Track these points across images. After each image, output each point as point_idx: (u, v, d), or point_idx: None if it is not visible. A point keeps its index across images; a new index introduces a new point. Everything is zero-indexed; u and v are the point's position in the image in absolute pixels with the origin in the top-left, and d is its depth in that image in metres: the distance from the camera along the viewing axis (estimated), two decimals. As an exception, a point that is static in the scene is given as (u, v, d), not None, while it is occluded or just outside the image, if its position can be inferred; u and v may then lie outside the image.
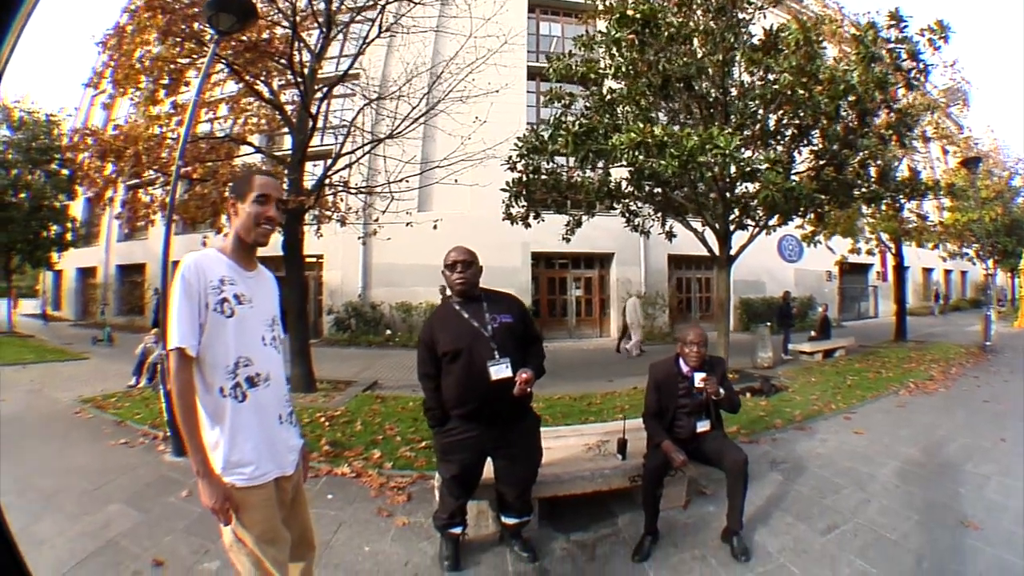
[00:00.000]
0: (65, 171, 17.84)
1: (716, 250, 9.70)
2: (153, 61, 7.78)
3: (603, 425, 5.27)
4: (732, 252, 9.68)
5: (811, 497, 4.30)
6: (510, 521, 3.39)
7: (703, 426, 3.68)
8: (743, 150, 7.38)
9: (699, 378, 3.56)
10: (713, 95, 8.64)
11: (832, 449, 5.56)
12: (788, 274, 20.32)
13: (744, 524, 3.53)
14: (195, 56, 8.08)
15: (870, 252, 18.06)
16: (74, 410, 7.45)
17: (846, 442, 5.81)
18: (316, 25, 8.79)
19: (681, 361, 3.73)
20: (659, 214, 10.44)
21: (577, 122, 8.14)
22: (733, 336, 10.57)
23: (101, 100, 21.36)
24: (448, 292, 3.27)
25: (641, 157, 7.20)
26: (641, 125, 7.11)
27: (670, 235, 10.87)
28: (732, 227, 9.52)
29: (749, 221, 9.57)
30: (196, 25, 7.69)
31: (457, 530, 3.34)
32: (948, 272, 36.45)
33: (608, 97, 8.67)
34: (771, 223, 9.69)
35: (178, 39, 7.75)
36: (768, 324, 12.97)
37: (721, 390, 3.58)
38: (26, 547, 3.21)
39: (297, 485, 2.26)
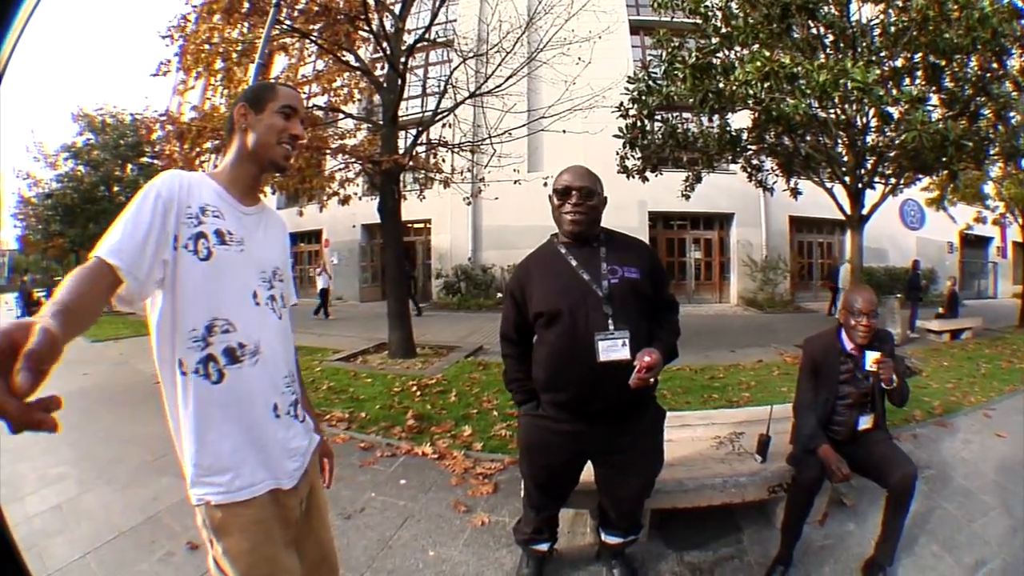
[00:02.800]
0: (158, 163, 19.57)
1: (848, 209, 8.65)
2: (223, 42, 7.77)
3: (736, 412, 4.27)
4: (864, 212, 8.62)
5: (958, 519, 3.25)
6: (612, 540, 2.55)
7: (865, 423, 2.74)
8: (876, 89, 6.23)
9: (871, 359, 2.55)
10: (839, 25, 7.50)
11: (976, 454, 4.41)
12: (910, 242, 17.90)
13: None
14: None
15: (996, 222, 15.39)
16: (154, 380, 7.53)
17: (990, 446, 4.63)
18: None
19: (843, 336, 2.77)
20: (783, 168, 9.39)
21: (694, 54, 7.11)
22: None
23: (173, 86, 23.24)
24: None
25: (765, 95, 6.33)
26: (768, 53, 6.30)
27: (795, 192, 9.95)
28: (863, 181, 8.43)
29: (887, 172, 8.53)
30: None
31: (543, 546, 2.60)
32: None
33: (724, 30, 7.56)
34: (905, 177, 8.70)
35: (243, 16, 7.60)
36: (897, 296, 11.44)
37: (894, 377, 2.59)
38: (64, 520, 2.92)
39: (314, 494, 1.65)
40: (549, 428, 2.22)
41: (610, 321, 2.06)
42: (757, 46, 7.23)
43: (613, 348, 2.04)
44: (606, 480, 2.33)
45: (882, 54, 7.34)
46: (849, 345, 2.73)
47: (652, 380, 2.02)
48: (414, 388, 6.36)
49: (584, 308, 2.08)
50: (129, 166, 21.94)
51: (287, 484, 1.50)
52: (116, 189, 21.19)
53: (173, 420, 1.41)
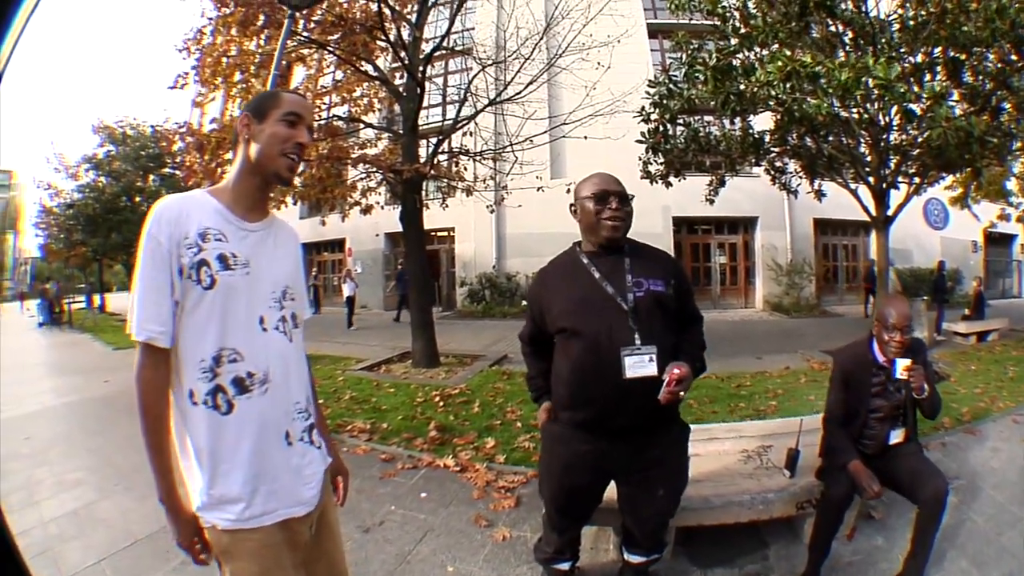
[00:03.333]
0: (179, 173, 20.03)
1: (873, 210, 8.45)
2: (241, 55, 7.79)
3: (764, 424, 4.12)
4: (889, 212, 8.42)
5: (987, 532, 3.11)
6: (636, 559, 2.42)
7: (896, 436, 2.63)
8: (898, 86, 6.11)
9: (902, 366, 2.41)
10: (858, 21, 7.34)
11: (1005, 462, 4.23)
12: (934, 242, 17.36)
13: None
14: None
15: (1020, 219, 14.93)
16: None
17: (1018, 454, 4.43)
18: None
19: (875, 347, 2.64)
20: (807, 169, 9.30)
21: (714, 55, 7.03)
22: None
23: (191, 99, 23.79)
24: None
25: (787, 96, 6.17)
26: (788, 52, 6.24)
27: (819, 194, 9.76)
28: (887, 181, 8.25)
29: (910, 171, 8.30)
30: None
31: (564, 566, 2.49)
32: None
33: (743, 30, 7.45)
34: (929, 176, 8.40)
35: (259, 29, 7.62)
36: (924, 298, 11.17)
37: (925, 385, 2.46)
38: (80, 526, 2.89)
39: (325, 514, 1.59)
40: (570, 449, 2.12)
41: (636, 336, 1.96)
42: (777, 46, 7.09)
43: (640, 364, 1.94)
44: (629, 500, 2.22)
45: (902, 50, 7.18)
46: (881, 357, 2.61)
47: (681, 394, 1.93)
48: (437, 398, 6.30)
49: (608, 323, 1.98)
50: (151, 176, 22.37)
51: (301, 512, 1.46)
52: (138, 199, 21.57)
53: (180, 445, 1.38)
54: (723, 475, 3.01)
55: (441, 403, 6.13)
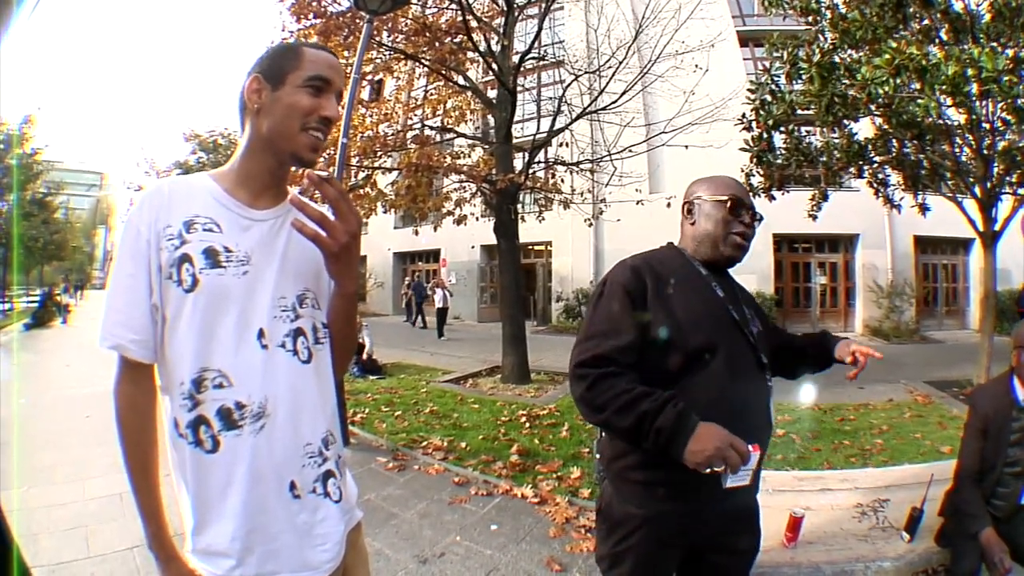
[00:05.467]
0: None
1: (980, 224, 7.61)
2: None
3: (880, 473, 3.66)
4: (996, 227, 7.57)
5: None
6: None
7: None
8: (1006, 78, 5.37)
9: None
10: (953, 12, 6.68)
11: None
12: None
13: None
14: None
15: None
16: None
17: None
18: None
19: (1016, 384, 2.21)
20: (909, 181, 8.52)
21: (817, 50, 6.57)
22: (978, 338, 8.58)
23: None
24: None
25: (894, 94, 5.77)
26: (894, 44, 5.71)
27: (923, 208, 8.84)
28: (993, 192, 7.47)
29: (1013, 180, 7.40)
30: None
31: None
32: None
33: (841, 25, 6.90)
34: None
35: (344, 42, 7.62)
36: None
37: None
38: (121, 509, 2.89)
39: (350, 567, 1.27)
40: (653, 528, 1.49)
41: (767, 373, 1.55)
42: (877, 43, 6.54)
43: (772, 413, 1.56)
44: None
45: (1002, 39, 6.33)
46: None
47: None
48: (523, 418, 5.98)
49: (738, 350, 1.50)
50: None
51: None
52: None
53: (175, 476, 1.13)
54: (836, 536, 2.66)
55: (527, 424, 5.79)
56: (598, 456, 1.66)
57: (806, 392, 6.49)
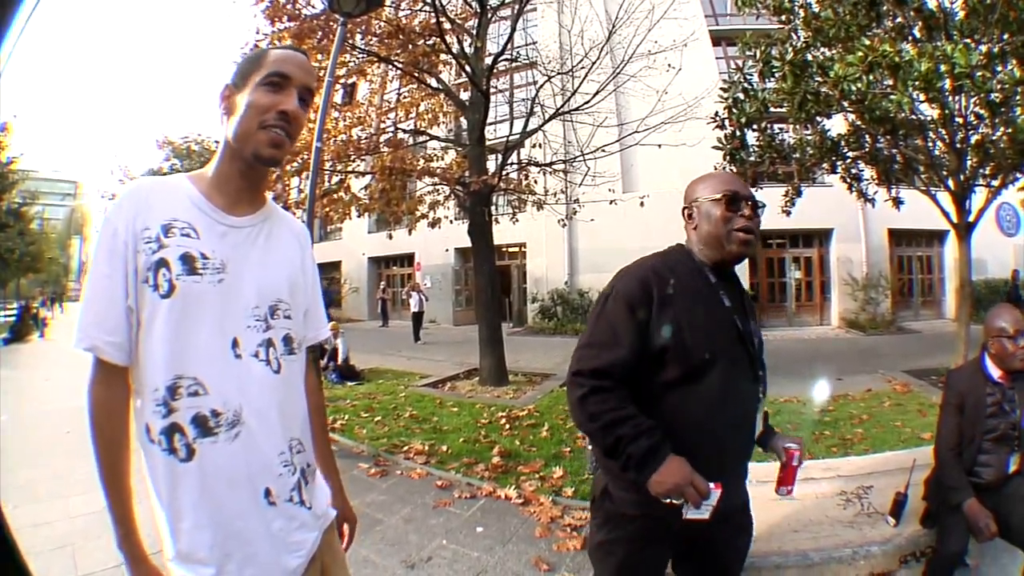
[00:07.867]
0: None
1: (953, 216, 7.83)
2: None
3: (862, 461, 3.70)
4: (970, 218, 7.82)
5: None
6: None
7: (1014, 463, 2.33)
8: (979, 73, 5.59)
9: None
10: (927, 9, 6.90)
11: None
12: (1007, 251, 15.74)
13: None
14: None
15: None
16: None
17: None
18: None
19: (988, 363, 2.38)
20: (882, 175, 8.75)
21: (789, 50, 6.70)
22: (955, 327, 8.89)
23: None
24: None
25: (867, 91, 5.90)
26: (867, 42, 5.85)
27: (897, 202, 9.10)
28: (966, 184, 7.72)
29: (986, 172, 7.69)
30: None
31: None
32: None
33: (814, 24, 7.01)
34: (1009, 176, 7.69)
35: (317, 44, 7.55)
36: None
37: None
38: (107, 526, 2.84)
39: (328, 567, 1.28)
40: (640, 531, 1.54)
41: (761, 391, 1.57)
42: (851, 41, 6.68)
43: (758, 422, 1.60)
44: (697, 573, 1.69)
45: (976, 35, 6.51)
46: (996, 373, 2.35)
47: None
48: (503, 420, 5.96)
49: (738, 362, 1.51)
50: None
51: None
52: None
53: (149, 481, 1.09)
54: (823, 524, 2.67)
55: (507, 425, 5.78)
56: (591, 447, 1.67)
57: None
